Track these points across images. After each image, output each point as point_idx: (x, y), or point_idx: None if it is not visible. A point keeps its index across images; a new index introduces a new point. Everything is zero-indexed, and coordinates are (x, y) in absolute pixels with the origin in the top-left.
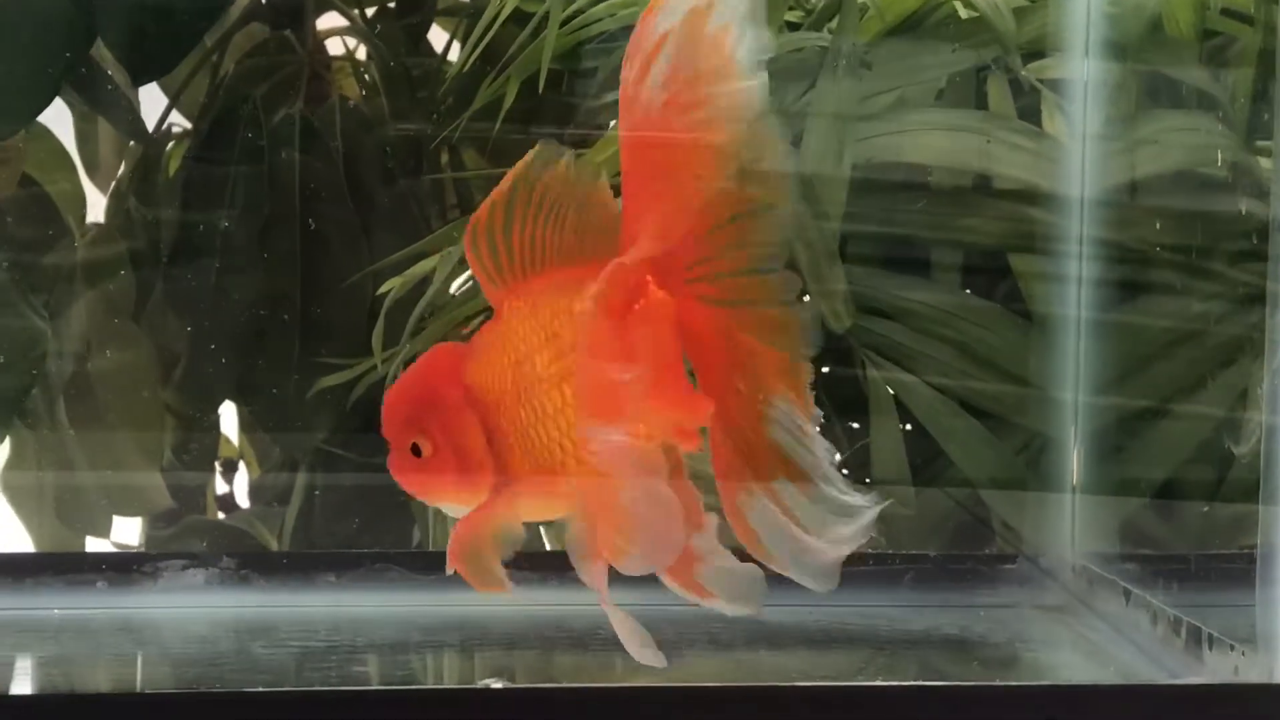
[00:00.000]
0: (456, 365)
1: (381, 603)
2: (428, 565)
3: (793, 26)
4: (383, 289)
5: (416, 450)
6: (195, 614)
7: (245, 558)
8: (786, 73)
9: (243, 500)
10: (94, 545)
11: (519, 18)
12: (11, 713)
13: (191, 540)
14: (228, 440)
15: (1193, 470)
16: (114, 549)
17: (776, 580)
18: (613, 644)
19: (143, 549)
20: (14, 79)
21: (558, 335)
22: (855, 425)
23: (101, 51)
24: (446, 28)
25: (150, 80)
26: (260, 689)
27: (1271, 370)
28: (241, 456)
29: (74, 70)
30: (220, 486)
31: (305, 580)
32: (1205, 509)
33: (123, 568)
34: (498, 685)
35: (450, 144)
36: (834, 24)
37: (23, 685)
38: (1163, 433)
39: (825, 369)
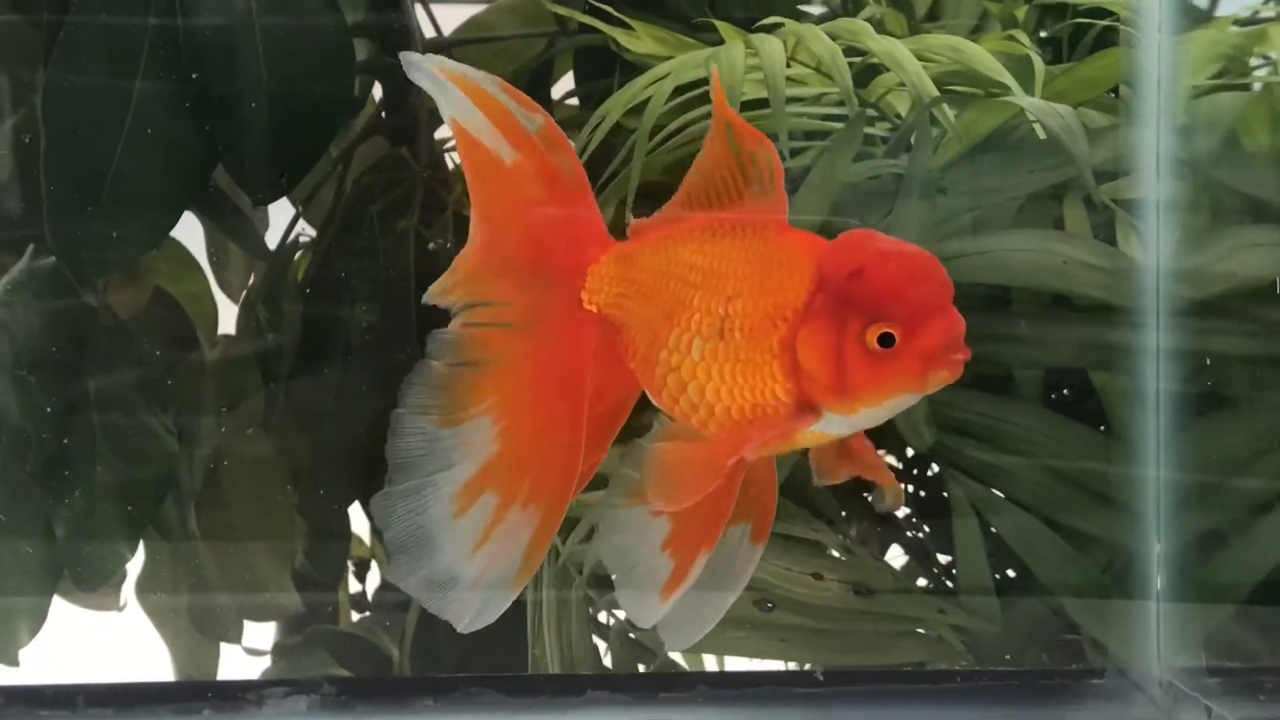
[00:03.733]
0: None
1: None
2: (523, 689)
3: (878, 139)
4: None
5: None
6: None
7: (345, 683)
8: (866, 197)
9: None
10: (225, 651)
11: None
12: None
13: (317, 649)
14: (360, 541)
15: None
16: (245, 653)
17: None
18: None
19: (269, 655)
20: (139, 205)
21: None
22: (939, 539)
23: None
24: None
25: (266, 203)
26: None
27: None
28: (374, 556)
29: (195, 195)
30: (354, 585)
31: (403, 705)
32: None
33: (228, 695)
34: None
35: None
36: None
37: None
38: (1248, 542)
39: (908, 486)
